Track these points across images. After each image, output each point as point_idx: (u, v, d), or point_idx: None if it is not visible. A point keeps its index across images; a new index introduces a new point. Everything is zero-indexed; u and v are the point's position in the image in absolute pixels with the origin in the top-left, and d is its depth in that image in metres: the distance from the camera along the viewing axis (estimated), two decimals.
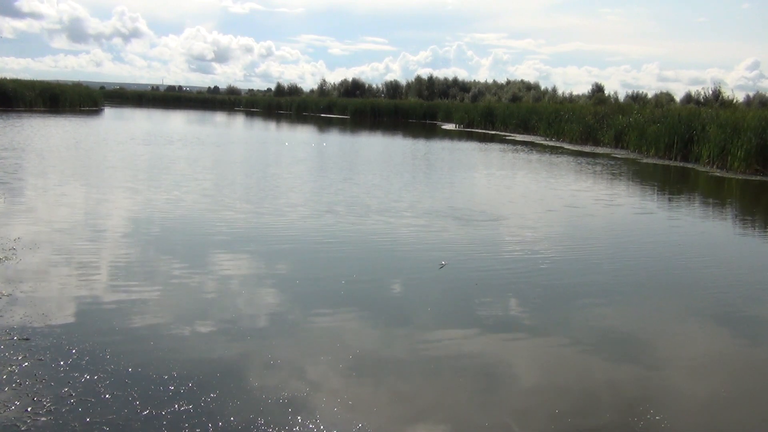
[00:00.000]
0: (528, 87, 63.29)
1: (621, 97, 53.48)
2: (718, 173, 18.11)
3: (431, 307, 5.38)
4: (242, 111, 70.80)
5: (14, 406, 3.36)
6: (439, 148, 25.49)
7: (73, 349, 4.10)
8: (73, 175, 12.22)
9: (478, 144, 28.14)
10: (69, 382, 3.65)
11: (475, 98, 59.95)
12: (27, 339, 4.23)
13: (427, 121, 51.40)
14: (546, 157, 21.78)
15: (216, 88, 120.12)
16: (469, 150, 24.48)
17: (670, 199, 13.05)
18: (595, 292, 6.08)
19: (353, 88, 74.09)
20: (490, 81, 69.75)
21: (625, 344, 4.82)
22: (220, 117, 52.92)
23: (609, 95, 52.87)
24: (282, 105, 70.37)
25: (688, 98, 47.92)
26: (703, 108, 27.68)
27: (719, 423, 3.71)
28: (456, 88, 67.96)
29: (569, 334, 4.89)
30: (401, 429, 3.42)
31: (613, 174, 17.00)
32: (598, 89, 56.41)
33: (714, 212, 11.68)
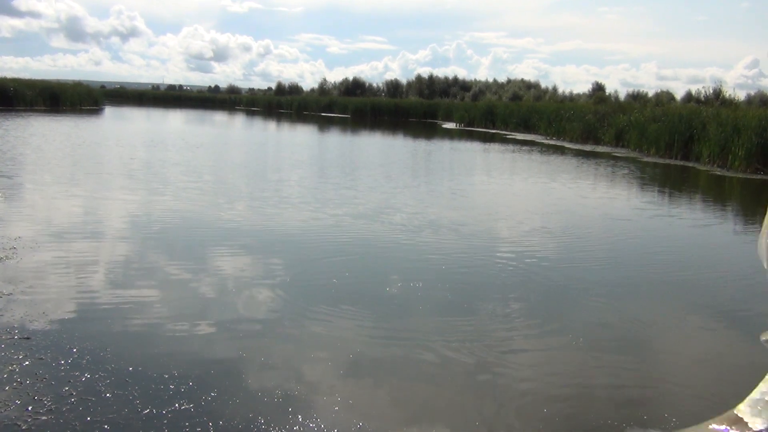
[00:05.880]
0: (528, 86, 63.28)
1: (621, 95, 53.43)
2: (718, 172, 18.10)
3: (432, 308, 5.38)
4: (243, 110, 70.78)
5: (15, 405, 3.36)
6: (445, 149, 25.48)
7: (73, 349, 4.10)
8: (73, 177, 12.23)
9: (482, 144, 28.09)
10: (69, 382, 3.65)
11: (475, 97, 59.94)
12: (27, 338, 4.23)
13: (428, 120, 51.38)
14: (557, 159, 21.75)
15: (216, 87, 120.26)
16: (475, 151, 24.46)
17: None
18: (606, 292, 6.08)
19: (353, 87, 74.11)
20: (489, 80, 69.77)
21: (625, 344, 4.82)
22: (220, 116, 52.92)
23: (609, 94, 52.82)
24: (282, 104, 70.36)
25: (689, 97, 47.83)
26: (704, 107, 27.66)
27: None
28: (456, 87, 67.96)
29: (570, 334, 4.89)
30: (401, 429, 3.42)
31: (633, 177, 16.50)
32: (599, 88, 56.37)
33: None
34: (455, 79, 70.35)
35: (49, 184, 10.80)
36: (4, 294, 5.05)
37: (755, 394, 3.70)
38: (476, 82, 69.24)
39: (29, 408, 3.34)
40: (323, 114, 59.88)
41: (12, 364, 3.83)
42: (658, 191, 14.31)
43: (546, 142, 29.62)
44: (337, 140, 28.87)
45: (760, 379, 4.14)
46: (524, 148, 25.50)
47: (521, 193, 13.12)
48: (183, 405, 3.46)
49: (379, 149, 23.82)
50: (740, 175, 17.32)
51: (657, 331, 5.14)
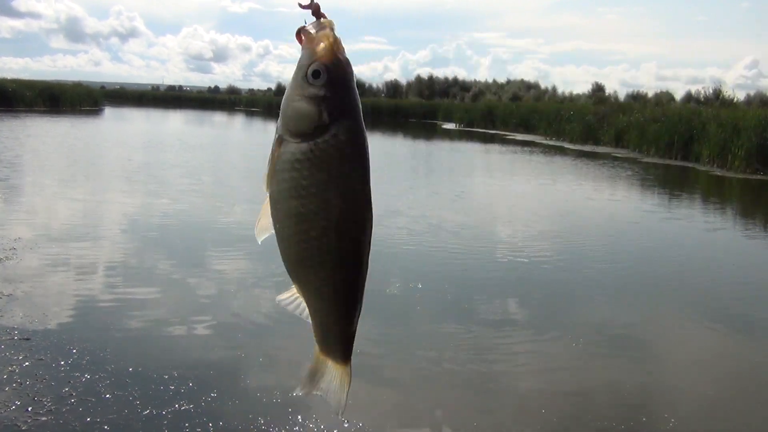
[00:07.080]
0: (528, 86, 63.15)
1: (621, 96, 53.34)
2: (718, 172, 18.09)
3: (432, 309, 5.38)
4: (242, 111, 70.75)
5: (15, 406, 3.36)
6: (445, 149, 25.48)
7: (73, 349, 4.10)
8: (73, 178, 12.23)
9: (483, 145, 28.05)
10: (69, 382, 3.65)
11: (475, 98, 59.85)
12: (27, 339, 4.23)
13: (428, 121, 51.38)
14: (557, 160, 21.75)
15: (216, 88, 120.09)
16: (476, 152, 24.48)
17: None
18: (601, 293, 6.08)
19: None
20: (489, 80, 69.59)
21: (625, 345, 4.82)
22: (219, 117, 52.91)
23: (609, 94, 52.75)
24: None
25: (689, 97, 47.76)
26: (704, 107, 27.66)
27: (719, 423, 3.71)
28: (456, 87, 67.86)
29: (570, 334, 4.89)
30: (401, 428, 3.42)
31: (635, 179, 16.27)
32: (599, 88, 56.27)
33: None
34: (455, 80, 70.28)
35: (49, 186, 10.80)
36: (4, 294, 5.04)
37: None
38: (476, 83, 69.18)
39: (29, 408, 3.34)
40: None
41: (12, 365, 3.83)
42: (659, 193, 14.32)
43: (546, 142, 29.60)
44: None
45: (761, 379, 4.14)
46: (525, 148, 25.49)
47: (524, 195, 13.12)
48: (183, 405, 3.46)
49: (379, 150, 23.82)
50: (740, 176, 17.31)
51: (657, 333, 5.14)
